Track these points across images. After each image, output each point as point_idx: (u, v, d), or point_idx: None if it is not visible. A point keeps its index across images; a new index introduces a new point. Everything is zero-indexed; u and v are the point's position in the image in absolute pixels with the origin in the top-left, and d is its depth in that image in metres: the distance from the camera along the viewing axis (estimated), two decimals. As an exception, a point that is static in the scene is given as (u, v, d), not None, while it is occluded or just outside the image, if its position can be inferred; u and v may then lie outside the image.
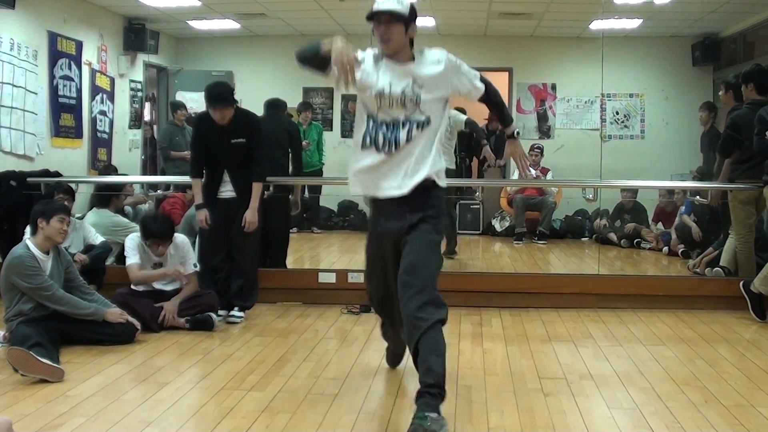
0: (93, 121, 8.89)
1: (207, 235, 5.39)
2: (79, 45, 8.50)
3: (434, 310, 3.26)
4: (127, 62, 9.69)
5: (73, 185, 6.28)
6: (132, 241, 5.21)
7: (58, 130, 8.15)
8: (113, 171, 8.04)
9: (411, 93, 3.40)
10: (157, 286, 5.16)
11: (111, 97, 9.33)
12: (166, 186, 8.06)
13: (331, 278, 6.03)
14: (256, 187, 5.30)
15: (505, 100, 10.78)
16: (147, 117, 10.57)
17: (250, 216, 5.26)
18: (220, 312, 5.26)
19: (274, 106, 6.64)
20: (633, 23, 9.60)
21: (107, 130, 9.26)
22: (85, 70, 8.68)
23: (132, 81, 9.95)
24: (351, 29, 9.73)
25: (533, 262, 8.20)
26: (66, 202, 5.38)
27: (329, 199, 9.97)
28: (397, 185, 3.41)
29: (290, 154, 6.45)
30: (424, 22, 9.77)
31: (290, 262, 6.61)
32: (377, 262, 3.64)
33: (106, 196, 6.63)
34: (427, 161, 3.41)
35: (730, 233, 6.13)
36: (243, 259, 5.37)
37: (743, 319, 5.44)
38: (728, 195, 6.05)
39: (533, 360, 4.40)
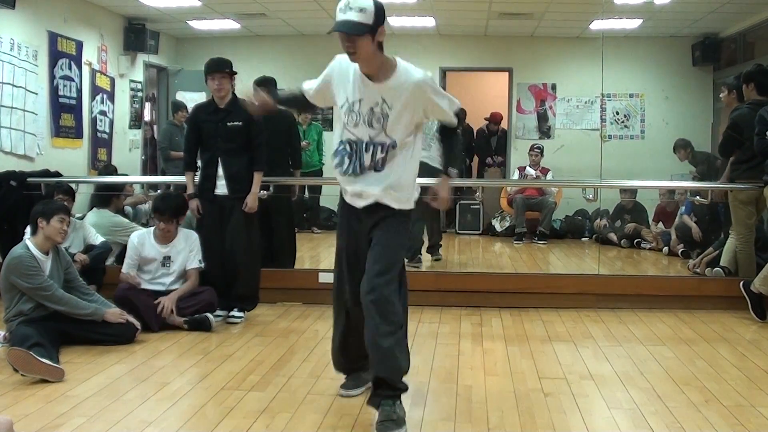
0: (93, 121, 8.89)
1: (202, 237, 5.36)
2: (79, 45, 8.49)
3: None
4: (127, 62, 9.69)
5: (73, 185, 6.27)
6: (130, 242, 5.25)
7: (58, 130, 8.15)
8: (113, 171, 8.03)
9: (379, 113, 3.26)
10: (156, 286, 5.17)
11: (111, 97, 9.32)
12: (166, 186, 8.06)
13: (331, 278, 6.00)
14: (257, 176, 5.31)
15: (505, 99, 10.93)
16: (147, 117, 10.57)
17: (251, 201, 5.26)
18: (219, 312, 5.26)
19: (263, 83, 6.04)
20: (633, 23, 9.59)
21: (107, 130, 9.26)
22: (85, 70, 8.68)
23: (132, 81, 9.95)
24: (351, 29, 9.74)
25: (533, 262, 8.20)
26: (66, 203, 5.38)
27: (329, 199, 9.95)
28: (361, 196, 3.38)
29: (288, 147, 6.39)
30: (424, 22, 9.77)
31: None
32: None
33: (106, 196, 6.62)
34: (390, 183, 3.31)
35: (730, 233, 6.13)
36: (241, 256, 5.32)
37: (743, 319, 5.44)
38: (728, 195, 6.06)
39: (533, 360, 4.40)
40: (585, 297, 5.88)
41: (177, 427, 3.26)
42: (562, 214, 9.96)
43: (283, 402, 3.60)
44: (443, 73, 10.75)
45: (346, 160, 3.33)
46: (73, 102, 8.43)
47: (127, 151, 9.84)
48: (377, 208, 3.36)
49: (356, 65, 3.28)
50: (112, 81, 9.36)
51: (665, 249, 8.34)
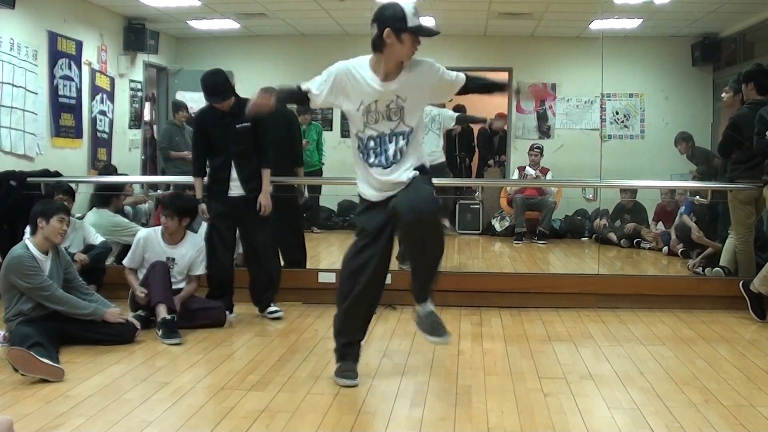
0: (93, 121, 8.88)
1: (216, 240, 5.37)
2: (79, 45, 8.49)
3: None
4: (127, 62, 9.68)
5: (73, 185, 6.27)
6: (137, 236, 5.27)
7: (58, 130, 8.15)
8: (113, 171, 8.03)
9: (395, 107, 3.65)
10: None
11: (111, 97, 9.32)
12: (166, 186, 8.06)
13: (331, 278, 6.03)
14: (266, 173, 5.36)
15: (506, 99, 10.91)
16: (147, 117, 10.56)
17: (264, 199, 5.32)
18: (230, 317, 5.38)
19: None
20: (633, 23, 9.59)
21: (107, 130, 9.25)
22: (85, 70, 8.67)
23: (132, 81, 9.94)
24: (351, 29, 9.74)
25: (533, 262, 8.20)
26: (66, 202, 5.37)
27: (329, 199, 9.96)
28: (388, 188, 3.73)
29: (289, 145, 6.35)
30: (424, 22, 9.75)
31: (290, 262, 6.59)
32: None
33: (106, 196, 6.63)
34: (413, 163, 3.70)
35: (729, 233, 6.13)
36: (264, 252, 5.41)
37: (743, 319, 5.44)
38: (728, 195, 6.06)
39: (533, 360, 4.40)
40: (585, 297, 5.88)
41: (177, 427, 3.26)
42: (561, 214, 9.95)
43: (283, 402, 3.60)
44: (443, 73, 10.72)
45: (373, 155, 3.70)
46: (73, 102, 8.43)
47: (127, 150, 9.83)
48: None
49: (362, 71, 3.64)
50: (112, 81, 9.35)
51: (665, 249, 8.34)
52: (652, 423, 3.34)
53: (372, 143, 3.70)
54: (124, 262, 5.26)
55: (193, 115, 8.70)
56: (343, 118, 12.15)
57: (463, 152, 11.12)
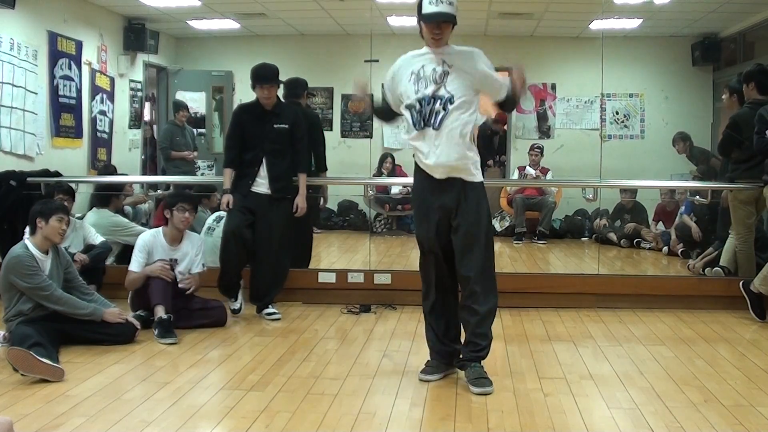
0: (93, 121, 8.88)
1: (233, 230, 5.39)
2: (79, 45, 8.49)
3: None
4: (127, 62, 9.68)
5: (73, 185, 6.27)
6: (141, 240, 5.21)
7: (58, 130, 8.15)
8: (113, 171, 8.03)
9: (441, 71, 3.78)
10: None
11: (111, 97, 9.32)
12: (166, 186, 8.06)
13: (331, 278, 6.04)
14: (302, 177, 5.54)
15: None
16: (147, 117, 10.56)
17: (302, 202, 5.49)
18: (235, 306, 5.48)
19: (292, 87, 6.32)
20: (633, 23, 9.59)
21: (107, 130, 9.25)
22: (85, 70, 8.68)
23: (132, 81, 9.94)
24: (351, 29, 9.73)
25: (533, 262, 8.21)
26: (66, 202, 5.37)
27: (329, 198, 9.94)
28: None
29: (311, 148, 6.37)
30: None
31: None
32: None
33: (106, 196, 6.62)
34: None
35: (730, 233, 6.13)
36: (272, 252, 5.46)
37: (743, 319, 5.44)
38: (728, 195, 6.05)
39: (533, 360, 4.40)
40: (585, 297, 5.88)
41: (177, 427, 3.26)
42: (561, 214, 9.95)
43: (283, 402, 3.60)
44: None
45: (416, 115, 3.81)
46: (73, 102, 8.43)
47: (127, 150, 9.84)
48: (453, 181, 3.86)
49: (416, 52, 3.87)
50: (112, 81, 9.35)
51: (665, 249, 8.34)
52: (652, 423, 3.34)
53: (418, 105, 3.79)
54: (130, 267, 5.12)
55: (193, 116, 8.72)
56: (343, 118, 12.17)
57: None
